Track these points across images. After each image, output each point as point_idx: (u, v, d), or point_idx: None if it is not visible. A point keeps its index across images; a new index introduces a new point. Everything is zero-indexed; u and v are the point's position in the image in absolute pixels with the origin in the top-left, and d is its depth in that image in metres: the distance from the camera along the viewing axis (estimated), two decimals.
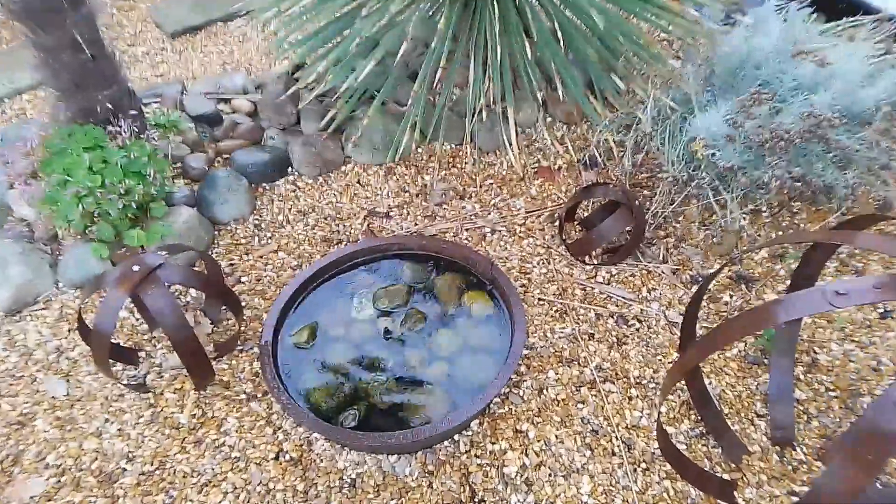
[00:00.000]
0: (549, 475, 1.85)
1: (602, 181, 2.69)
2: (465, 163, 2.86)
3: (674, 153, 2.49)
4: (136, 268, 1.90)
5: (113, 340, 2.26)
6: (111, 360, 2.18)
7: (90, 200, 2.24)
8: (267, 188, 2.78)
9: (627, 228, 2.38)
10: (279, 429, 2.01)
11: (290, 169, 2.83)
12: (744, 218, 2.49)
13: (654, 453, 1.90)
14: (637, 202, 2.33)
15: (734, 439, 1.91)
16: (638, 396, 2.03)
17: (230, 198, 2.56)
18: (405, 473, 1.87)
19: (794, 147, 2.17)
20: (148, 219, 2.41)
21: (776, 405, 1.99)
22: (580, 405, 2.01)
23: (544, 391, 2.05)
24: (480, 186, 2.78)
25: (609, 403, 2.01)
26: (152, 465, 1.96)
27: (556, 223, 2.59)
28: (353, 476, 1.88)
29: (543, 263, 2.47)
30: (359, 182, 2.80)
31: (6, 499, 1.90)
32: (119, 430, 2.05)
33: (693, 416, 1.98)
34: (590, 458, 1.89)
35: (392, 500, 1.83)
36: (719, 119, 2.35)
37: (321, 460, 1.92)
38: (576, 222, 2.62)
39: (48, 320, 2.37)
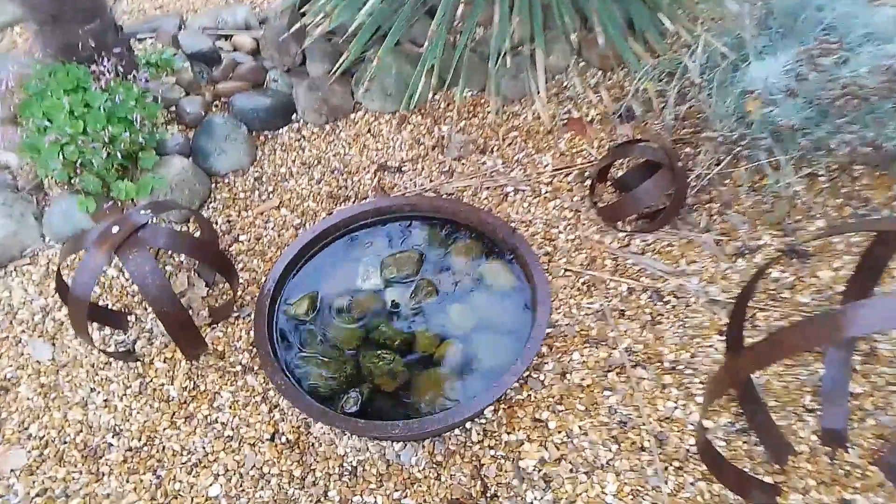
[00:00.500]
0: (571, 471, 1.67)
1: (640, 137, 2.41)
2: (487, 112, 2.59)
3: (723, 107, 2.20)
4: (115, 228, 1.71)
5: (100, 303, 2.10)
6: (97, 324, 2.03)
7: (72, 149, 2.03)
8: (269, 137, 2.54)
9: (667, 192, 2.12)
10: (275, 407, 1.85)
11: (294, 115, 2.58)
12: (799, 183, 2.21)
13: (688, 450, 1.70)
14: (679, 162, 2.06)
15: (779, 437, 1.70)
16: (672, 384, 1.82)
17: (228, 147, 2.34)
18: (411, 463, 1.71)
19: (865, 105, 1.88)
20: (138, 170, 2.20)
21: (829, 399, 1.76)
22: (607, 392, 1.81)
23: (567, 375, 1.85)
24: (503, 140, 2.52)
25: (640, 391, 1.81)
26: (140, 440, 1.82)
27: (587, 183, 2.34)
28: (354, 463, 1.72)
29: (571, 229, 2.23)
30: (369, 132, 2.55)
31: None
32: (105, 400, 1.90)
33: (734, 409, 1.77)
34: (616, 454, 1.70)
35: (396, 491, 1.66)
36: (778, 69, 2.05)
37: (320, 444, 1.76)
38: (609, 183, 2.36)
39: (34, 277, 2.21)
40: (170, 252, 2.18)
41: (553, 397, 1.80)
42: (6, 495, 1.73)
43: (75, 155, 2.03)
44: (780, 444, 1.69)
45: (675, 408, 1.78)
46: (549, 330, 1.94)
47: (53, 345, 2.04)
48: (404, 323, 1.86)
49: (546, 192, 2.34)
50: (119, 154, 2.08)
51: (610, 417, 1.76)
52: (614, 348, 1.91)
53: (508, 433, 1.74)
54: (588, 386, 1.82)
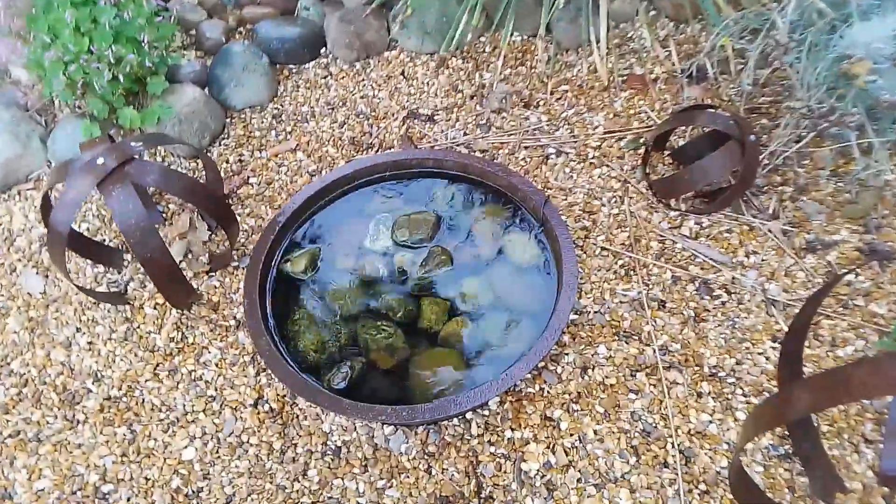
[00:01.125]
0: (579, 481, 1.46)
1: (708, 102, 2.10)
2: (537, 61, 2.30)
3: (813, 74, 1.85)
4: (101, 160, 1.54)
5: (97, 238, 1.97)
6: (91, 260, 1.90)
7: (75, 68, 1.87)
8: (293, 71, 2.33)
9: (734, 169, 1.83)
10: (263, 370, 1.69)
11: (323, 50, 2.35)
12: (893, 171, 1.87)
13: (718, 472, 1.47)
14: (752, 136, 1.76)
15: (829, 469, 1.45)
16: (710, 393, 1.58)
17: (246, 79, 2.14)
18: (400, 450, 1.53)
19: None
20: (147, 96, 2.03)
21: (894, 434, 1.49)
22: (633, 395, 1.58)
23: (589, 371, 1.62)
24: (552, 93, 2.24)
25: (671, 398, 1.57)
26: (120, 389, 1.70)
27: (641, 151, 2.05)
28: (339, 443, 1.55)
29: (616, 202, 1.96)
30: (402, 74, 2.31)
31: None
32: (90, 343, 1.78)
33: (778, 430, 1.52)
34: (634, 467, 1.48)
35: (381, 479, 1.49)
36: (886, 32, 1.70)
37: (304, 418, 1.60)
38: (666, 153, 2.07)
39: (36, 203, 2.09)
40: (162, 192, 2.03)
41: (569, 394, 1.58)
42: None
43: (79, 74, 1.87)
44: (829, 477, 1.44)
45: (710, 422, 1.53)
46: (573, 317, 1.70)
47: (46, 277, 1.93)
48: (411, 294, 1.65)
49: (593, 158, 2.07)
50: (124, 77, 1.91)
51: (632, 424, 1.54)
52: (648, 345, 1.66)
53: (513, 430, 1.54)
54: (611, 385, 1.59)
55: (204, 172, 1.88)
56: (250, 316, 1.54)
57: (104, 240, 1.98)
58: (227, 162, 2.10)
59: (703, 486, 1.45)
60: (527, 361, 1.43)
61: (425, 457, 1.52)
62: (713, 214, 1.91)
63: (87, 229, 2.01)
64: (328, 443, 1.56)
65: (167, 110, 1.96)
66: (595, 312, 1.72)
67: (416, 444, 1.53)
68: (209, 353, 1.73)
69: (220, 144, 2.15)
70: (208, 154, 2.10)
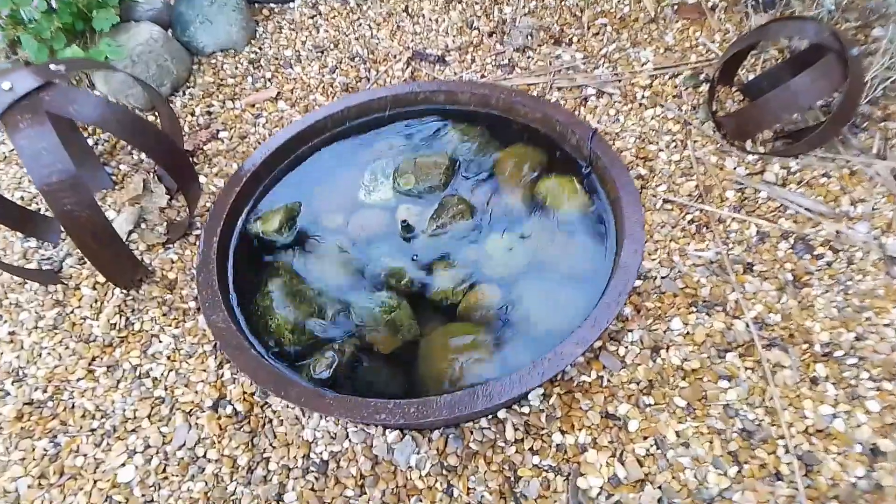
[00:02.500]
0: (659, 501, 1.04)
1: (793, 14, 1.69)
2: None
3: None
4: (6, 84, 1.17)
5: (32, 207, 1.60)
6: (22, 234, 1.52)
7: None
8: (275, 11, 1.96)
9: (832, 91, 1.42)
10: (228, 361, 1.29)
11: None
12: None
13: (854, 485, 1.04)
14: (855, 49, 1.35)
15: None
16: (828, 378, 1.16)
17: (216, 14, 1.76)
18: (409, 463, 1.11)
19: None
20: (95, 35, 1.66)
21: None
22: (724, 383, 1.16)
23: (662, 353, 1.20)
24: (587, 28, 1.85)
25: (776, 385, 1.15)
26: (45, 391, 1.30)
27: (704, 88, 1.66)
28: (326, 455, 1.15)
29: (676, 147, 1.56)
30: (406, 11, 1.93)
31: None
32: (11, 333, 1.39)
33: None
34: (736, 481, 1.06)
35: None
36: None
37: (280, 422, 1.19)
38: (735, 89, 1.66)
39: None
40: (123, 144, 1.65)
41: (637, 383, 1.17)
42: None
43: (5, 3, 1.50)
44: None
45: (834, 416, 1.11)
46: (636, 283, 1.29)
47: None
48: (420, 253, 1.24)
49: (643, 98, 1.67)
50: (63, 7, 1.54)
51: (727, 422, 1.12)
52: (737, 317, 1.25)
53: (563, 432, 1.12)
54: (694, 371, 1.18)
55: (159, 123, 1.50)
56: (203, 284, 1.14)
57: (40, 209, 1.60)
58: (193, 114, 1.72)
59: None
60: (582, 336, 1.01)
61: (444, 472, 1.10)
62: (802, 157, 1.50)
63: (22, 198, 1.64)
64: (311, 455, 1.15)
65: (117, 50, 1.58)
66: (663, 278, 1.31)
67: (430, 455, 1.12)
68: (160, 342, 1.34)
69: (184, 94, 1.77)
70: (170, 103, 1.72)
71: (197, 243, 1.48)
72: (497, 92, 1.41)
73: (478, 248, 1.24)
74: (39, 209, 1.60)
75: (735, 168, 1.50)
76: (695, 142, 1.56)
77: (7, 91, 1.16)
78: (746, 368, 1.18)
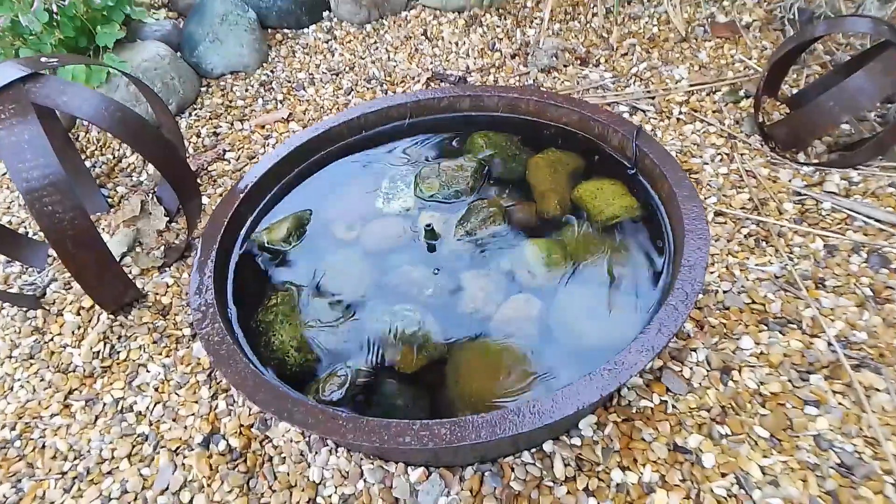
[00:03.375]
0: None
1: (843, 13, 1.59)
2: (593, 14, 1.84)
3: None
4: None
5: (20, 230, 1.47)
6: (7, 257, 1.38)
7: (1, 6, 1.43)
8: (289, 36, 1.88)
9: (887, 103, 1.29)
10: (224, 391, 1.12)
11: (326, 13, 1.92)
12: None
13: None
14: None
15: None
16: None
17: (226, 34, 1.68)
18: None
19: None
20: (99, 55, 1.57)
21: None
22: (811, 409, 0.97)
23: (734, 374, 1.02)
24: (615, 49, 1.75)
25: (871, 412, 0.96)
26: (14, 429, 1.13)
27: (744, 104, 1.54)
28: (337, 500, 0.95)
29: (722, 160, 1.42)
30: (425, 35, 1.85)
31: None
32: None
33: None
34: None
35: None
36: None
37: (281, 460, 1.01)
38: (779, 102, 1.55)
39: None
40: (122, 167, 1.53)
41: (708, 410, 0.98)
42: None
43: (5, 10, 1.42)
44: None
45: None
46: (695, 303, 1.12)
47: None
48: (445, 265, 1.09)
49: (680, 114, 1.55)
50: (64, 18, 1.46)
51: (820, 456, 0.92)
52: (816, 336, 1.07)
53: (624, 469, 0.93)
54: (774, 395, 0.99)
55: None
56: (197, 293, 0.98)
57: (28, 233, 1.47)
58: (199, 136, 1.61)
59: None
60: (647, 343, 0.84)
61: None
62: (862, 167, 1.36)
63: (10, 222, 1.51)
64: (318, 500, 0.95)
65: (120, 64, 1.49)
66: (725, 292, 1.14)
67: (462, 498, 0.92)
68: (147, 372, 1.17)
69: (190, 115, 1.66)
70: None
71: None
72: (528, 95, 1.29)
73: (512, 255, 1.08)
74: (27, 233, 1.46)
75: (790, 180, 1.36)
76: (742, 154, 1.43)
77: None
78: (835, 392, 0.99)
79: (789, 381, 1.01)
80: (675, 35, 1.76)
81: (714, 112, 1.55)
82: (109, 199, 1.49)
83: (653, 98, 1.60)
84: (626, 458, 0.93)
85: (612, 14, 1.81)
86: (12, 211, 1.53)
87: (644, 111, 1.58)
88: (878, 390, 0.99)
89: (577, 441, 0.96)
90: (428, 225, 1.10)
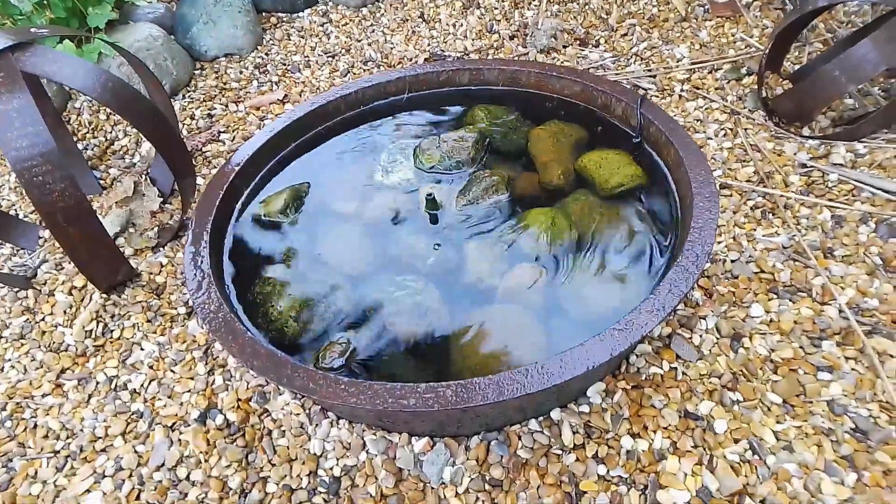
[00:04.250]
0: None
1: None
2: None
3: None
4: None
5: (12, 212, 1.44)
6: None
7: None
8: (283, 19, 1.86)
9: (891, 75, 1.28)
10: (221, 367, 1.08)
11: None
12: None
13: None
14: None
15: None
16: None
17: (220, 16, 1.66)
18: (442, 478, 0.89)
19: None
20: (92, 32, 1.55)
21: None
22: (824, 375, 0.95)
23: (744, 341, 1.00)
24: (614, 29, 1.74)
25: (886, 377, 0.94)
26: (4, 409, 1.09)
27: (746, 80, 1.52)
28: (338, 472, 0.92)
29: (726, 135, 1.40)
30: (422, 17, 1.83)
31: None
32: None
33: None
34: (857, 490, 0.83)
35: None
36: None
37: (280, 433, 0.98)
38: (783, 80, 1.53)
39: None
40: (114, 149, 1.50)
41: (719, 377, 0.96)
42: None
43: None
44: None
45: None
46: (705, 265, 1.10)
47: None
48: (447, 235, 1.06)
49: (682, 91, 1.53)
50: (56, 1, 1.43)
51: (833, 420, 0.90)
52: (827, 303, 1.05)
53: (634, 436, 0.90)
54: (786, 361, 0.97)
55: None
56: (192, 265, 0.95)
57: (17, 213, 1.44)
58: (193, 118, 1.58)
59: None
60: (658, 303, 0.82)
61: (487, 488, 0.88)
62: (868, 139, 1.34)
63: (1, 206, 1.48)
64: (320, 472, 0.92)
65: (111, 48, 1.46)
66: (733, 261, 1.12)
67: (468, 467, 0.89)
68: (141, 350, 1.14)
69: (183, 97, 1.63)
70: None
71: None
72: (528, 67, 1.27)
73: (515, 224, 1.06)
74: (18, 215, 1.43)
75: (795, 153, 1.34)
76: (746, 129, 1.41)
77: None
78: (848, 358, 0.97)
79: (801, 347, 0.98)
80: (675, 15, 1.74)
81: (716, 89, 1.53)
82: (102, 182, 1.46)
83: (654, 76, 1.59)
84: (636, 424, 0.90)
85: None
86: (2, 194, 1.50)
87: (646, 89, 1.56)
88: (891, 356, 0.97)
89: (585, 408, 0.93)
90: (429, 194, 1.07)
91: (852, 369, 0.95)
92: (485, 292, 0.99)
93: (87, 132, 1.57)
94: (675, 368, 0.96)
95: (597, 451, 0.88)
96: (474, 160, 1.16)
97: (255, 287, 1.01)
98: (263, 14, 1.83)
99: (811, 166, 1.30)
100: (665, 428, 0.90)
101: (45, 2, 1.44)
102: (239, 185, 1.13)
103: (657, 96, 1.54)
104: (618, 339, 0.79)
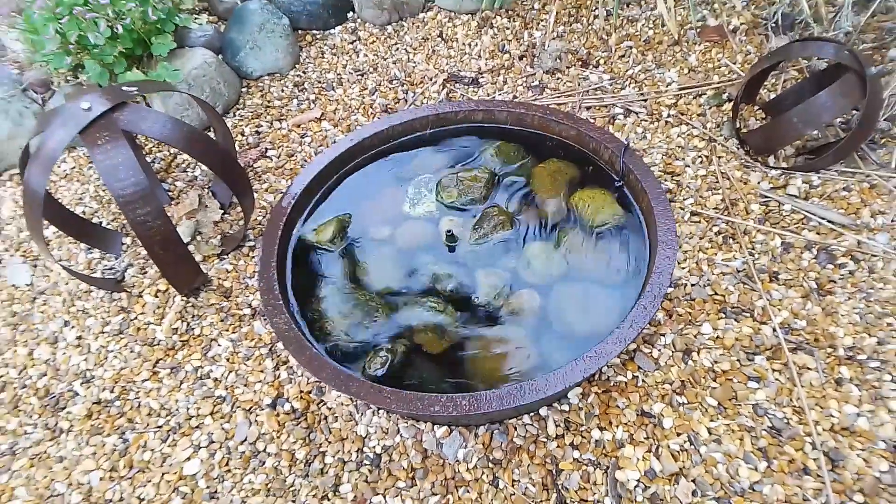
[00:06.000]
0: (693, 494, 1.11)
1: (811, 36, 1.77)
2: (594, 17, 2.01)
3: None
4: (85, 104, 1.28)
5: (94, 220, 1.71)
6: (85, 244, 1.63)
7: (68, 20, 1.63)
8: (317, 37, 2.07)
9: (851, 109, 1.50)
10: (284, 363, 1.38)
11: (350, 14, 2.10)
12: None
13: (879, 479, 1.10)
14: (873, 69, 1.43)
15: None
16: (852, 380, 1.22)
17: (264, 42, 1.88)
18: (457, 457, 1.19)
19: None
20: (152, 61, 1.78)
21: None
22: (753, 384, 1.23)
23: (694, 355, 1.27)
24: (614, 51, 1.94)
25: (802, 386, 1.22)
26: (112, 391, 1.40)
27: (727, 107, 1.74)
28: (379, 450, 1.22)
29: (702, 162, 1.64)
30: (441, 35, 2.03)
31: None
32: (78, 338, 1.49)
33: None
34: (766, 475, 1.12)
35: (434, 495, 1.16)
36: None
37: (335, 419, 1.28)
38: (757, 108, 1.74)
39: None
40: (179, 162, 1.76)
41: (671, 384, 1.24)
42: None
43: (72, 28, 1.63)
44: None
45: (858, 415, 1.17)
46: (669, 289, 1.37)
47: (34, 267, 1.66)
48: (462, 262, 1.33)
49: (668, 116, 1.75)
50: (125, 32, 1.66)
51: (756, 420, 1.18)
52: (764, 323, 1.32)
53: (602, 429, 1.19)
54: (724, 372, 1.25)
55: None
56: (266, 291, 1.23)
57: (101, 223, 1.71)
58: (243, 134, 1.83)
59: (859, 497, 1.08)
60: (620, 336, 1.09)
61: (490, 465, 1.18)
62: (822, 172, 1.57)
63: (84, 212, 1.75)
64: (364, 449, 1.23)
65: (174, 73, 1.70)
66: (693, 285, 1.39)
67: (477, 450, 1.19)
68: (219, 345, 1.43)
69: (234, 115, 1.88)
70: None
71: (250, 254, 1.58)
72: (532, 110, 1.51)
73: (517, 256, 1.32)
74: (101, 222, 1.71)
75: (759, 182, 1.58)
76: (720, 157, 1.64)
77: (86, 110, 1.27)
78: (774, 370, 1.24)
79: (738, 360, 1.26)
80: (669, 38, 1.94)
81: (699, 115, 1.75)
82: (170, 193, 1.72)
83: (645, 100, 1.81)
84: (603, 420, 1.20)
85: (612, 17, 1.99)
86: (84, 202, 1.77)
87: (637, 113, 1.78)
88: (809, 369, 1.24)
89: (566, 407, 1.22)
90: (448, 231, 1.34)
91: (776, 379, 1.23)
92: (491, 313, 1.26)
93: (154, 146, 1.83)
94: (637, 377, 1.24)
95: (573, 440, 1.18)
96: (485, 197, 1.42)
97: (312, 305, 1.29)
98: (299, 32, 2.04)
99: (769, 197, 1.54)
100: (625, 423, 1.19)
101: (116, 35, 1.66)
102: (294, 216, 1.40)
103: (646, 120, 1.76)
104: (589, 364, 1.07)
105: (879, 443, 1.14)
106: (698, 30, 1.94)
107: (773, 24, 1.90)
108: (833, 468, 1.12)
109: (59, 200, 1.71)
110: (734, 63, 1.85)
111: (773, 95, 1.77)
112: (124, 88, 1.33)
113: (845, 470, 1.11)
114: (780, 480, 1.11)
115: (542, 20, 2.03)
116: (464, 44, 2.00)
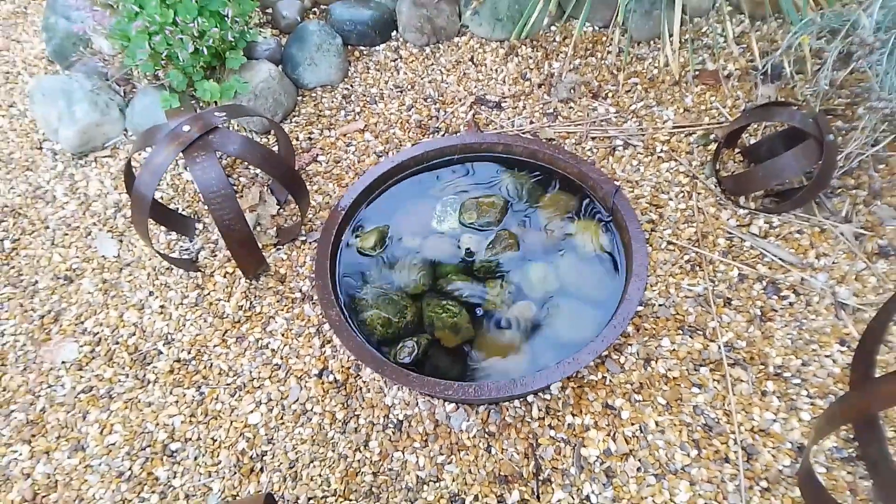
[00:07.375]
0: (638, 470, 1.46)
1: (784, 100, 2.05)
2: (608, 52, 2.29)
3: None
4: (187, 127, 1.59)
5: (171, 206, 2.04)
6: (164, 227, 1.96)
7: (159, 39, 1.92)
8: (364, 52, 2.36)
9: (808, 169, 1.79)
10: (328, 342, 1.73)
11: (394, 33, 2.38)
12: None
13: (781, 471, 1.45)
14: (831, 136, 1.72)
15: (894, 475, 1.42)
16: (775, 392, 1.56)
17: (319, 58, 2.17)
18: (461, 428, 1.55)
19: None
20: (225, 71, 2.08)
21: None
22: (696, 389, 1.57)
23: (652, 363, 1.61)
24: (621, 86, 2.22)
25: (734, 394, 1.56)
26: (189, 353, 1.75)
27: (711, 148, 2.03)
28: (401, 417, 1.58)
29: (683, 197, 1.94)
30: (472, 60, 2.32)
31: (40, 358, 1.77)
32: (161, 307, 1.84)
33: (843, 432, 1.50)
34: (695, 460, 1.47)
35: (441, 455, 1.52)
36: None
37: (367, 390, 1.63)
38: (737, 151, 2.04)
39: (112, 170, 2.17)
40: (242, 162, 2.08)
41: (631, 384, 1.58)
42: (54, 386, 1.72)
43: (163, 46, 1.93)
44: (894, 483, 1.41)
45: (774, 420, 1.52)
46: (639, 308, 1.70)
47: (120, 242, 2.00)
48: (476, 275, 1.66)
49: (661, 152, 2.05)
50: (206, 50, 1.96)
51: (694, 418, 1.53)
52: (712, 341, 1.65)
53: (574, 415, 1.54)
54: (674, 378, 1.59)
55: (276, 147, 1.92)
56: (321, 288, 1.57)
57: (177, 209, 2.04)
58: (297, 139, 2.15)
59: (763, 484, 1.43)
60: (593, 348, 1.43)
61: (485, 436, 1.53)
62: (784, 214, 1.88)
63: (161, 198, 2.08)
64: (390, 416, 1.58)
65: (244, 85, 2.00)
66: (660, 305, 1.71)
67: (476, 423, 1.55)
68: (275, 322, 1.78)
69: (290, 122, 2.19)
70: (276, 132, 2.15)
71: (302, 247, 1.91)
72: (544, 148, 1.81)
73: (521, 273, 1.65)
74: (177, 209, 2.04)
75: (728, 219, 1.88)
76: (699, 194, 1.95)
77: (187, 132, 1.59)
78: (714, 380, 1.58)
79: (686, 370, 1.60)
80: (670, 78, 2.22)
81: (687, 153, 2.05)
82: (235, 187, 2.05)
83: (643, 135, 2.10)
84: (575, 409, 1.54)
85: (623, 53, 2.27)
86: (161, 188, 2.10)
87: (634, 146, 2.08)
88: (742, 381, 1.58)
89: (548, 397, 1.57)
90: (468, 248, 1.67)
91: (714, 387, 1.57)
92: (496, 318, 1.60)
93: None
94: (605, 377, 1.59)
95: (551, 422, 1.53)
96: (499, 221, 1.74)
97: (356, 300, 1.63)
98: (349, 47, 2.33)
99: (734, 234, 1.85)
100: (592, 412, 1.54)
101: (198, 51, 1.96)
102: (343, 225, 1.72)
103: (642, 153, 2.06)
104: (567, 368, 1.41)
105: (787, 443, 1.48)
106: (697, 73, 2.22)
107: (763, 74, 2.17)
108: (748, 460, 1.47)
109: None
110: (724, 107, 2.14)
111: (753, 140, 2.06)
112: (216, 114, 1.64)
113: (757, 462, 1.46)
114: (705, 465, 1.46)
115: (561, 52, 2.30)
116: (491, 69, 2.28)
